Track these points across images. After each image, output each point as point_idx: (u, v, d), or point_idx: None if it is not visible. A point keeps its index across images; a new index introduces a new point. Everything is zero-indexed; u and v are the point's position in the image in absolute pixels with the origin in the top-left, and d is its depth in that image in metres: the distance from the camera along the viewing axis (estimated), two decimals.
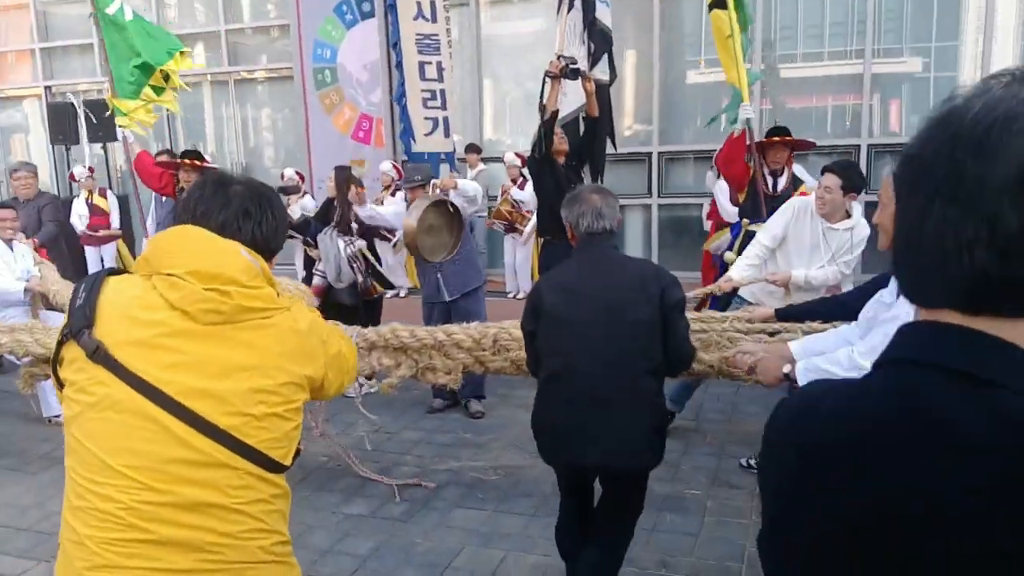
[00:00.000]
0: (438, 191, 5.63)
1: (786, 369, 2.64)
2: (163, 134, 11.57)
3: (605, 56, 6.64)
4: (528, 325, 2.92)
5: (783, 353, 2.80)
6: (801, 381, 2.56)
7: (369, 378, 4.38)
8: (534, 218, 8.38)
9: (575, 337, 2.75)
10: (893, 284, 2.55)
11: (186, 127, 11.95)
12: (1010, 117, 0.70)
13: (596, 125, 5.61)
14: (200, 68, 11.49)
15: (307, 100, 10.70)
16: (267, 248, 1.70)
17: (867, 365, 2.61)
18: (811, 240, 4.40)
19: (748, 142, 5.64)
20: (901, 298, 2.54)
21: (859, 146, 8.83)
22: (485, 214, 9.51)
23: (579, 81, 5.85)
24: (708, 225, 7.41)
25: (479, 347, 3.77)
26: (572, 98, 6.67)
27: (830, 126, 9.16)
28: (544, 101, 5.53)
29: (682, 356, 2.90)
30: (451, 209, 5.26)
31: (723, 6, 5.72)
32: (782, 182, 5.78)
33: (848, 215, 4.34)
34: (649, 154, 9.55)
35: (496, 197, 9.48)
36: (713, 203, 6.97)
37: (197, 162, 6.56)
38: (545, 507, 3.99)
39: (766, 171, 5.74)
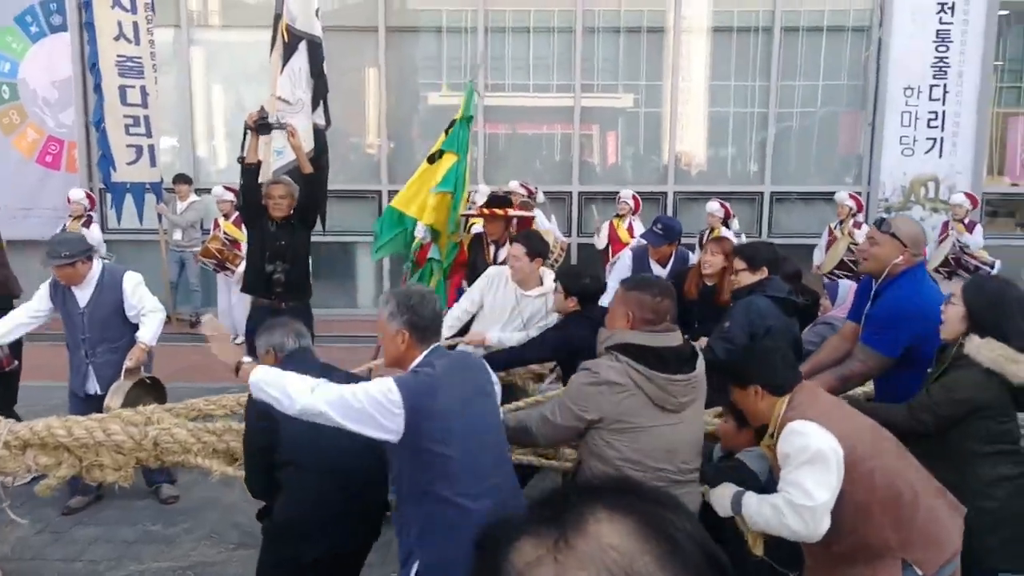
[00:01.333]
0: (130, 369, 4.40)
1: (244, 360, 2.69)
2: None
3: (321, 103, 6.47)
4: (263, 442, 2.89)
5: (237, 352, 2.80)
6: (252, 379, 2.55)
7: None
8: None
9: (317, 438, 2.71)
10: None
11: None
12: None
13: (312, 181, 5.24)
14: None
15: None
16: None
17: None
18: (507, 306, 4.52)
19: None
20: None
21: (571, 192, 9.44)
22: (198, 249, 8.79)
23: (304, 123, 5.58)
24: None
25: (140, 448, 3.41)
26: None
27: (557, 152, 9.76)
28: (243, 152, 5.09)
29: None
30: (148, 381, 4.45)
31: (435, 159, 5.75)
32: (503, 253, 5.49)
33: (540, 282, 4.49)
34: (379, 192, 9.43)
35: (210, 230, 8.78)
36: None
37: None
38: None
39: (488, 239, 5.66)
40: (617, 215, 8.44)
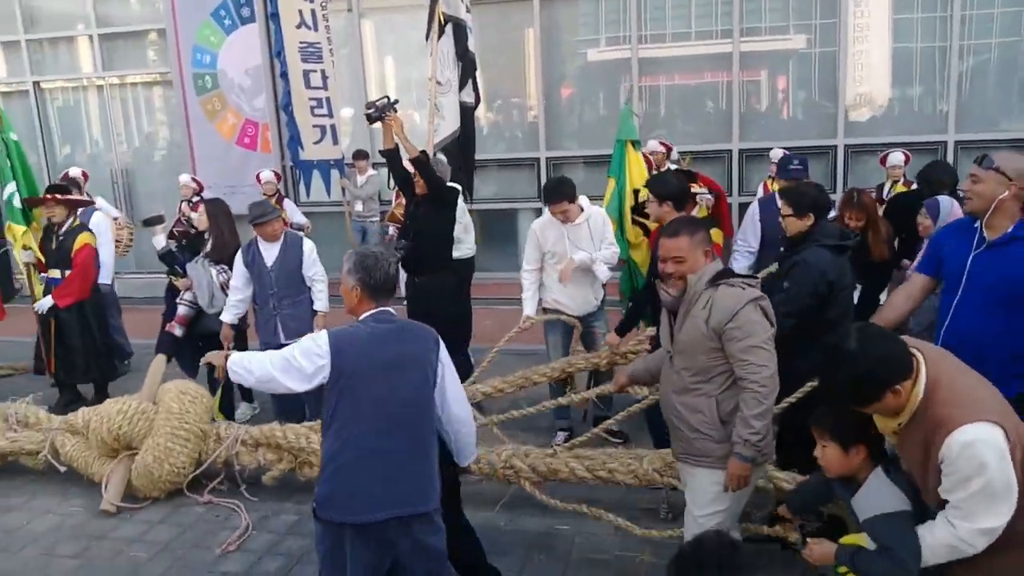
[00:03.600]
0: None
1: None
2: (35, 144, 11.05)
3: (470, 81, 6.73)
4: None
5: None
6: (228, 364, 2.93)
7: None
8: None
9: None
10: None
11: (62, 134, 11.44)
12: None
13: (419, 163, 5.50)
14: (72, 74, 11.04)
15: (187, 106, 10.40)
16: None
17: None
18: (562, 242, 5.10)
19: None
20: None
21: (731, 150, 9.20)
22: (377, 219, 9.49)
23: (452, 102, 5.88)
24: None
25: None
26: (450, 121, 6.69)
27: (721, 102, 9.40)
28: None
29: None
30: None
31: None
32: None
33: (581, 209, 5.11)
34: (537, 159, 9.68)
35: (390, 200, 9.38)
36: None
37: (60, 196, 6.31)
38: None
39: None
40: (770, 176, 8.11)
